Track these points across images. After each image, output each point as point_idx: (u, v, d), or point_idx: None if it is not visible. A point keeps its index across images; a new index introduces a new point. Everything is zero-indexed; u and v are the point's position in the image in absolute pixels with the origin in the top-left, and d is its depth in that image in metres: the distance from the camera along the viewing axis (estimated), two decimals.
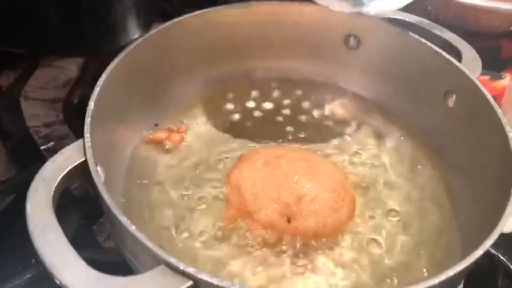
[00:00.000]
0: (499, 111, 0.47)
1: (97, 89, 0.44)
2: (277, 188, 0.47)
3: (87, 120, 0.42)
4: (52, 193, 0.37)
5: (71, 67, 0.69)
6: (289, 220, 0.46)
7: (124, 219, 0.35)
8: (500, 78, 0.74)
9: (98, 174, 0.39)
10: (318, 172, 0.49)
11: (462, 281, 0.49)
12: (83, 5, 0.57)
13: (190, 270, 0.33)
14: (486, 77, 0.74)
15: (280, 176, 0.48)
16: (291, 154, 0.51)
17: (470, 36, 0.75)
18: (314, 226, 0.46)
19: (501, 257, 0.49)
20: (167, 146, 0.54)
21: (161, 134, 0.55)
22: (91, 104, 0.43)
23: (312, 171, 0.49)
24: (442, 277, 0.34)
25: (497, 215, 0.39)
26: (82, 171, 0.40)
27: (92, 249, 0.51)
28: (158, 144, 0.54)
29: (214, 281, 0.32)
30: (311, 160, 0.50)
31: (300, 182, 0.47)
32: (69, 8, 0.58)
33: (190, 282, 0.33)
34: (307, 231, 0.46)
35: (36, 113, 0.64)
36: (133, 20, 0.63)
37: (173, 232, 0.47)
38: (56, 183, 0.38)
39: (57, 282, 0.33)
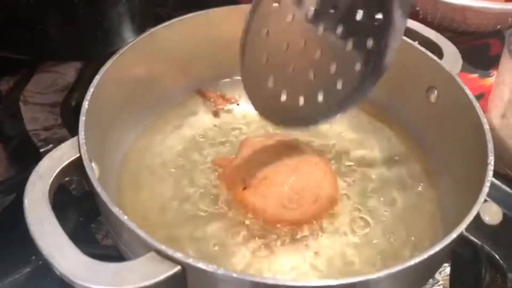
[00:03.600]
0: (477, 105, 0.49)
1: (91, 90, 0.46)
2: (255, 167, 0.50)
3: (82, 118, 0.43)
4: (48, 188, 0.39)
5: (69, 72, 0.71)
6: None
7: (116, 210, 0.37)
8: (488, 76, 0.75)
9: (92, 169, 0.40)
10: (300, 162, 0.51)
11: (448, 267, 0.51)
12: (79, 11, 0.59)
13: (178, 255, 0.34)
14: (475, 75, 0.75)
15: (263, 157, 0.51)
16: (281, 141, 0.53)
17: (458, 35, 0.76)
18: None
19: (486, 247, 0.50)
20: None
21: (213, 94, 0.60)
22: (85, 104, 0.45)
23: (293, 160, 0.51)
24: (417, 259, 0.36)
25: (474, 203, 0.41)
26: (77, 166, 0.41)
27: (91, 245, 0.52)
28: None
29: (201, 265, 0.34)
30: (298, 149, 0.53)
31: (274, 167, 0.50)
32: (66, 15, 0.60)
33: (178, 267, 0.34)
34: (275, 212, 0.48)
35: (35, 117, 0.65)
36: (128, 25, 0.65)
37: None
38: (52, 178, 0.40)
39: (54, 269, 0.34)
